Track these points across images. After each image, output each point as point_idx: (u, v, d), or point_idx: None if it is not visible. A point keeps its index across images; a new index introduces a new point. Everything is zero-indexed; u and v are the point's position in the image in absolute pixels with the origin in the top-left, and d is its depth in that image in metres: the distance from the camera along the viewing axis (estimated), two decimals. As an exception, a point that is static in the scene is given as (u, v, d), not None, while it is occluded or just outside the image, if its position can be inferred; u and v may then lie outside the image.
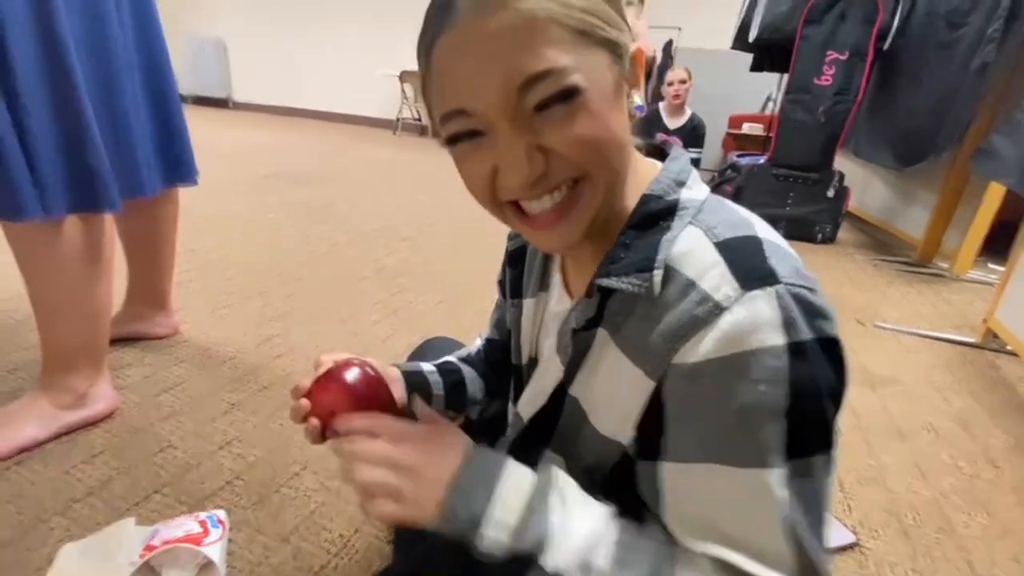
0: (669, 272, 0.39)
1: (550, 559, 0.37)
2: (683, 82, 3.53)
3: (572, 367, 0.47)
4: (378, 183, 3.45)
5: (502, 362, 0.65)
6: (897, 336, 1.78)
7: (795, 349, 0.35)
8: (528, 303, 0.58)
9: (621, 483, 0.44)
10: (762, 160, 2.90)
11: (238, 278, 1.77)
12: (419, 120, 6.08)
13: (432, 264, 2.08)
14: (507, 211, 0.42)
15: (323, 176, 3.49)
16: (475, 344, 0.74)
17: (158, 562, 0.72)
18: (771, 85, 4.05)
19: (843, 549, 0.90)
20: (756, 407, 0.35)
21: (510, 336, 0.62)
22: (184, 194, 1.26)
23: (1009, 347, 1.67)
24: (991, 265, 2.63)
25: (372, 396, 0.49)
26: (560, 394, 0.49)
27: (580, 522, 0.39)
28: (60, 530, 0.81)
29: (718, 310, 0.36)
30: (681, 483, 0.40)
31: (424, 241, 2.35)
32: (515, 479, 0.41)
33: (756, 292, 0.35)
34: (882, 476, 1.10)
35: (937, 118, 2.16)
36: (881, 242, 3.04)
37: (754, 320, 0.35)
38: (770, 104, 4.31)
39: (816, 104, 2.60)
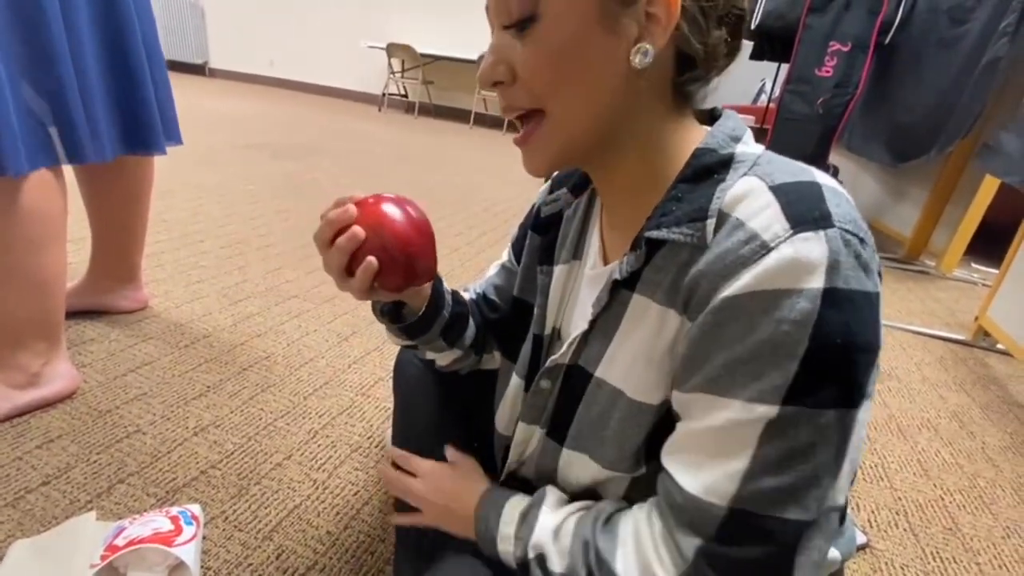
0: (720, 217, 0.38)
1: (532, 549, 0.45)
2: None
3: (599, 320, 0.46)
4: (362, 159, 3.32)
5: (495, 323, 0.66)
6: (890, 332, 1.77)
7: (831, 295, 0.33)
8: (560, 270, 0.55)
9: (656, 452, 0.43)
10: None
11: (214, 251, 1.66)
12: (405, 96, 5.90)
13: (421, 244, 2.00)
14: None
15: (305, 149, 3.34)
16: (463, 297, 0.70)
17: (123, 563, 0.64)
18: (764, 76, 4.01)
19: (856, 550, 0.87)
20: (772, 345, 0.34)
21: (514, 304, 0.61)
22: (158, 162, 1.15)
23: (1000, 345, 1.68)
24: (974, 264, 2.66)
25: (425, 225, 0.49)
26: (581, 382, 0.47)
27: (554, 516, 0.46)
28: (11, 524, 0.72)
29: (764, 249, 0.34)
30: (680, 414, 0.39)
31: (412, 220, 2.26)
32: (514, 501, 0.49)
33: (807, 233, 0.34)
34: (886, 474, 1.08)
35: (937, 116, 2.15)
36: (868, 238, 3.05)
37: (798, 260, 0.33)
38: (762, 96, 4.28)
39: (815, 96, 2.56)
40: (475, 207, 2.58)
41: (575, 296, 0.54)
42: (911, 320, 1.87)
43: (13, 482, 0.78)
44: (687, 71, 0.41)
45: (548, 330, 0.56)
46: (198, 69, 6.56)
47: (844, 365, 0.34)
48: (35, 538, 0.70)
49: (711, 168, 0.40)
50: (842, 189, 0.38)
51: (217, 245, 1.71)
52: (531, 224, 0.61)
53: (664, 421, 0.42)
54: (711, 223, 0.37)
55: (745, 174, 0.39)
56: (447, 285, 0.64)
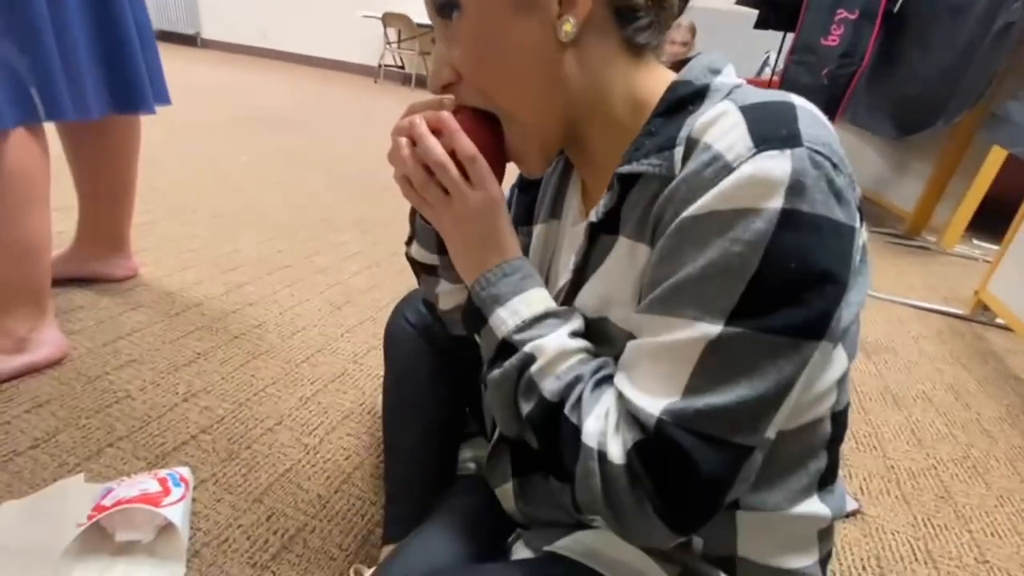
0: (690, 144, 0.36)
1: (531, 347, 0.40)
2: (684, 44, 3.26)
3: (582, 265, 0.45)
4: (358, 131, 3.26)
5: None
6: (889, 305, 1.76)
7: (788, 216, 0.31)
8: (538, 229, 0.54)
9: None
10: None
11: (206, 221, 1.64)
12: (402, 67, 5.78)
13: (417, 216, 1.97)
14: None
15: (299, 121, 3.28)
16: None
17: (110, 523, 0.64)
18: (768, 48, 3.92)
19: (847, 516, 0.87)
20: (721, 266, 0.32)
21: None
22: (148, 132, 1.13)
23: (999, 319, 1.67)
24: (975, 241, 2.64)
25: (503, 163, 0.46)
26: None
27: (569, 340, 0.41)
28: (0, 486, 0.72)
29: (726, 170, 0.33)
30: (637, 335, 0.38)
31: (408, 192, 2.23)
32: (543, 294, 0.44)
33: (771, 152, 0.32)
34: (880, 443, 1.07)
35: (945, 86, 2.10)
36: (870, 213, 3.02)
37: (757, 178, 0.32)
38: (766, 69, 4.19)
39: (820, 66, 2.50)
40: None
41: (557, 255, 0.53)
42: (909, 294, 1.86)
43: (1, 445, 0.78)
44: (632, 21, 0.39)
45: None
46: (189, 40, 6.41)
47: (799, 291, 0.32)
48: (24, 499, 0.69)
49: (685, 100, 0.39)
50: (823, 116, 0.36)
51: (209, 215, 1.68)
52: (517, 183, 0.59)
53: None
54: (679, 151, 0.36)
55: (719, 102, 0.37)
56: None
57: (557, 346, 0.40)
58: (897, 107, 2.49)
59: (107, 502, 0.64)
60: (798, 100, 0.35)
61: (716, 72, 0.40)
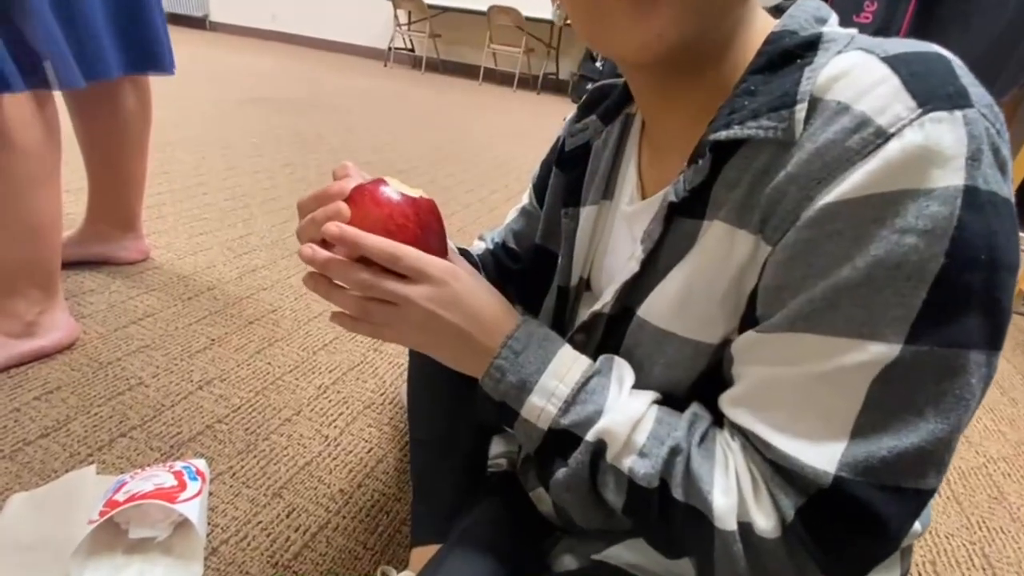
0: (812, 104, 0.29)
1: (595, 432, 0.34)
2: None
3: (653, 256, 0.37)
4: (369, 115, 3.20)
5: (516, 274, 0.59)
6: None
7: (972, 195, 0.25)
8: (587, 211, 0.47)
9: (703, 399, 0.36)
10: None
11: (218, 203, 1.59)
12: (412, 50, 5.68)
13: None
14: None
15: (309, 104, 3.23)
16: (475, 247, 0.63)
17: (124, 518, 0.60)
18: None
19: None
20: (892, 265, 0.26)
21: (536, 253, 0.55)
22: (158, 114, 1.09)
23: (1041, 311, 1.60)
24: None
25: (437, 226, 0.39)
26: (623, 329, 0.40)
27: (631, 402, 0.35)
28: (8, 476, 0.69)
29: (880, 137, 0.26)
30: (750, 357, 0.32)
31: (422, 176, 2.17)
32: (568, 354, 0.38)
33: (939, 113, 0.25)
34: (925, 440, 1.02)
35: (988, 65, 1.99)
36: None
37: (930, 149, 0.25)
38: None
39: (851, 45, 2.40)
40: (485, 164, 2.48)
41: (607, 241, 0.46)
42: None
43: (10, 434, 0.74)
44: None
45: (574, 281, 0.49)
46: (198, 22, 6.35)
47: (991, 289, 0.26)
48: (33, 491, 0.66)
49: (791, 52, 0.31)
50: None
51: (221, 198, 1.64)
52: (555, 159, 0.53)
53: (717, 362, 0.36)
54: (801, 109, 0.29)
55: (840, 51, 0.30)
56: (458, 243, 0.57)
57: (624, 420, 0.34)
58: (931, 88, 2.39)
59: (120, 496, 0.60)
60: (944, 51, 0.28)
61: (823, 21, 0.33)
